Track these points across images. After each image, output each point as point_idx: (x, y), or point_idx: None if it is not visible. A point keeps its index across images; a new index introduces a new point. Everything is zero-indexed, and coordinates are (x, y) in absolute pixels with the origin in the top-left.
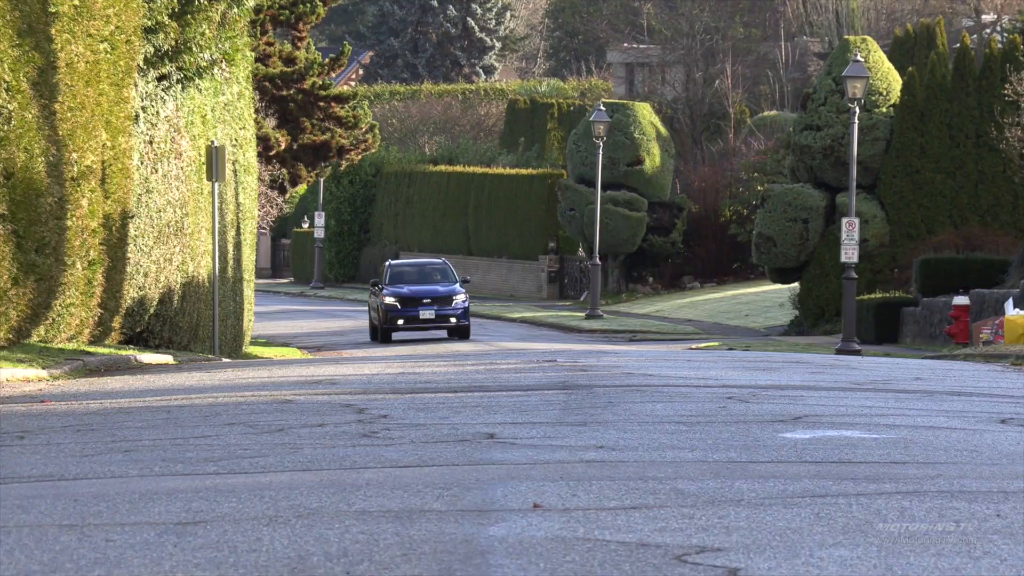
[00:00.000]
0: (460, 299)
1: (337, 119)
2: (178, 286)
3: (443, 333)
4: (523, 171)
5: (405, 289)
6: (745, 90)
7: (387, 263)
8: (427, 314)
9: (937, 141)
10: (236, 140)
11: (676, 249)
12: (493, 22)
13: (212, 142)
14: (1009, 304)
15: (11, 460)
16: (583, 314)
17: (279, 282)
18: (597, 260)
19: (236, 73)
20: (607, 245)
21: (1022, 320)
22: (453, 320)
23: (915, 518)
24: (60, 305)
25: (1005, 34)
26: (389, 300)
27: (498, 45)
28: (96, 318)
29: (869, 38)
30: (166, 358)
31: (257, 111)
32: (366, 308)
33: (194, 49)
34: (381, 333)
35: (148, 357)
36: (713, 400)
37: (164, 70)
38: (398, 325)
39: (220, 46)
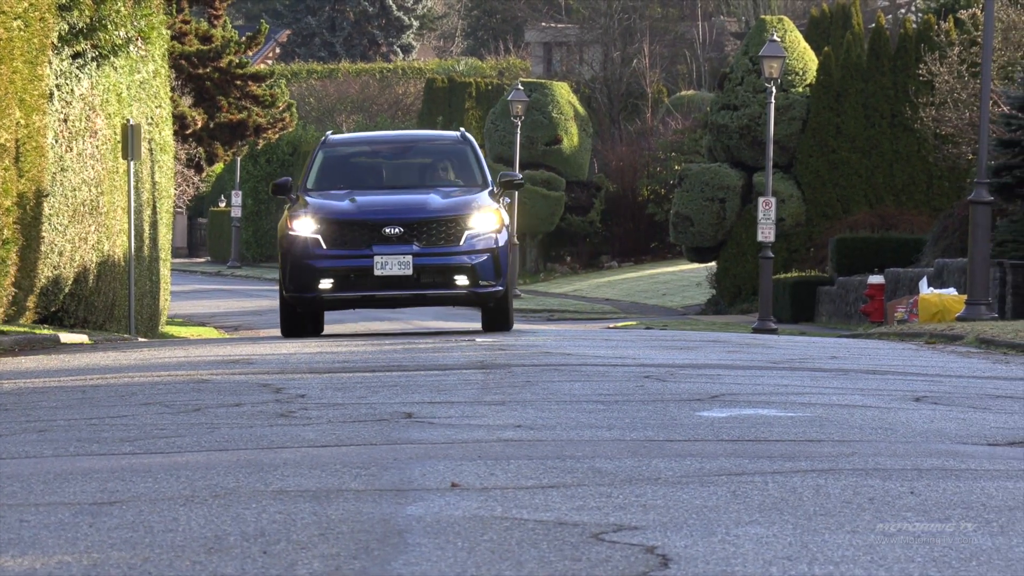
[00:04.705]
0: (481, 227)
1: (254, 98)
2: (93, 265)
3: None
4: None
5: (345, 203)
6: (663, 70)
7: (323, 138)
8: (394, 265)
9: (853, 121)
10: (152, 119)
11: (594, 228)
12: (410, 1)
13: (128, 120)
14: (923, 283)
15: None
16: None
17: (196, 261)
18: (515, 240)
19: (152, 51)
20: (525, 225)
21: (936, 299)
22: (462, 281)
23: (830, 496)
24: None
25: (920, 14)
26: (304, 229)
27: (416, 24)
28: (10, 297)
29: (785, 18)
30: (81, 337)
31: (173, 89)
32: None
33: (109, 26)
34: (286, 315)
35: (63, 336)
36: (631, 379)
37: (79, 48)
38: (320, 292)
39: (136, 23)
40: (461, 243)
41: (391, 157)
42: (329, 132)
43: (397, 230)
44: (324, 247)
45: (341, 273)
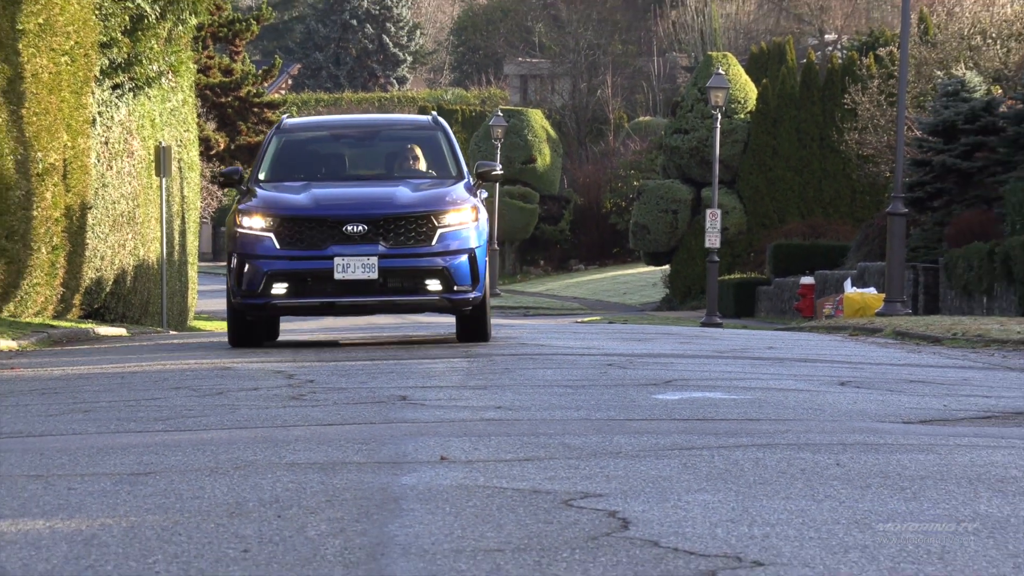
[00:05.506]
0: (456, 225)
1: (269, 123)
2: (130, 268)
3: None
4: None
5: (301, 196)
6: (623, 98)
7: (278, 122)
8: (356, 267)
9: (787, 143)
10: (181, 141)
11: (564, 236)
12: (405, 39)
13: (160, 143)
14: (848, 283)
15: None
16: None
17: (219, 265)
18: (496, 246)
19: (181, 82)
20: (504, 233)
21: (859, 297)
22: (434, 285)
23: (767, 467)
24: (27, 285)
25: (845, 51)
26: (254, 225)
27: (409, 59)
28: (59, 296)
29: (729, 54)
30: (120, 331)
31: (199, 116)
32: None
33: (144, 62)
34: (234, 323)
35: (104, 330)
36: (596, 367)
37: (118, 80)
38: (272, 298)
39: (167, 59)
40: (433, 243)
41: (354, 144)
42: (285, 116)
43: (360, 228)
44: (277, 247)
45: (296, 276)
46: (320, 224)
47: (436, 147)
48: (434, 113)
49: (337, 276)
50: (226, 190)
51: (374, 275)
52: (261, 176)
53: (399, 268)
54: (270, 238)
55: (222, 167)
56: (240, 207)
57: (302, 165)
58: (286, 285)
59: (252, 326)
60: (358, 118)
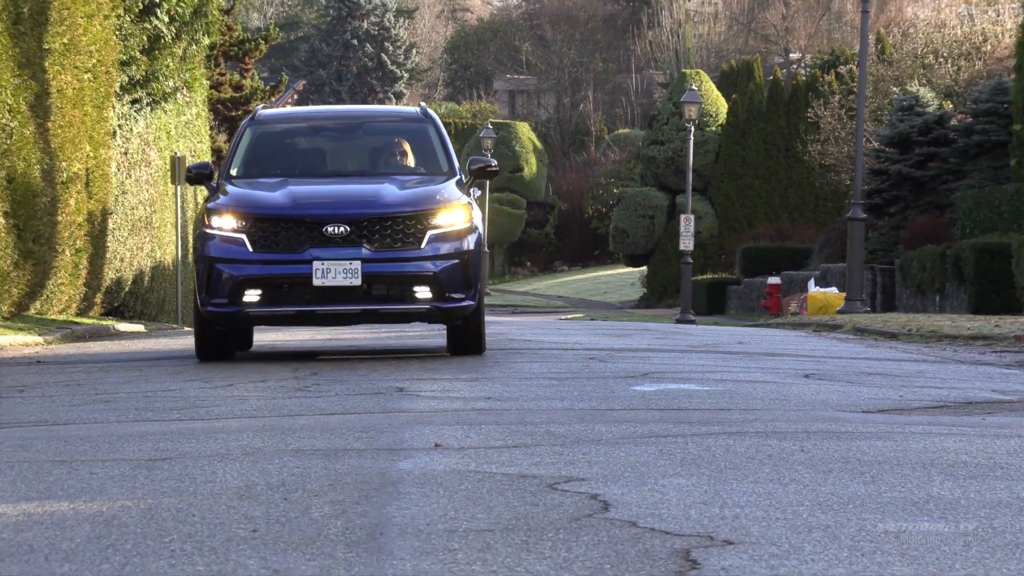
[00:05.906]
0: (448, 226)
1: None
2: (148, 269)
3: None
4: None
5: (276, 194)
6: (604, 112)
7: (251, 114)
8: (337, 272)
9: (755, 153)
10: (195, 152)
11: (549, 239)
12: (402, 57)
13: (175, 153)
14: (811, 283)
15: (12, 409)
16: None
17: None
18: (486, 249)
19: (194, 97)
20: (494, 236)
21: (822, 296)
22: (423, 293)
23: (737, 453)
24: (52, 285)
25: (808, 69)
26: (224, 226)
27: (406, 76)
28: (81, 295)
29: (702, 71)
30: (138, 327)
31: (212, 128)
32: None
33: (160, 78)
34: (202, 334)
35: (124, 326)
36: (579, 360)
37: (136, 95)
38: (244, 306)
39: (182, 76)
40: (423, 246)
41: (336, 137)
42: (259, 106)
43: (342, 229)
44: (250, 249)
45: (271, 282)
46: (297, 225)
47: (425, 141)
48: (423, 104)
49: (316, 282)
50: None
51: (357, 281)
52: (233, 172)
53: (385, 274)
54: (242, 240)
55: None
56: (209, 206)
57: (278, 160)
58: (259, 292)
59: (222, 336)
60: (340, 109)
